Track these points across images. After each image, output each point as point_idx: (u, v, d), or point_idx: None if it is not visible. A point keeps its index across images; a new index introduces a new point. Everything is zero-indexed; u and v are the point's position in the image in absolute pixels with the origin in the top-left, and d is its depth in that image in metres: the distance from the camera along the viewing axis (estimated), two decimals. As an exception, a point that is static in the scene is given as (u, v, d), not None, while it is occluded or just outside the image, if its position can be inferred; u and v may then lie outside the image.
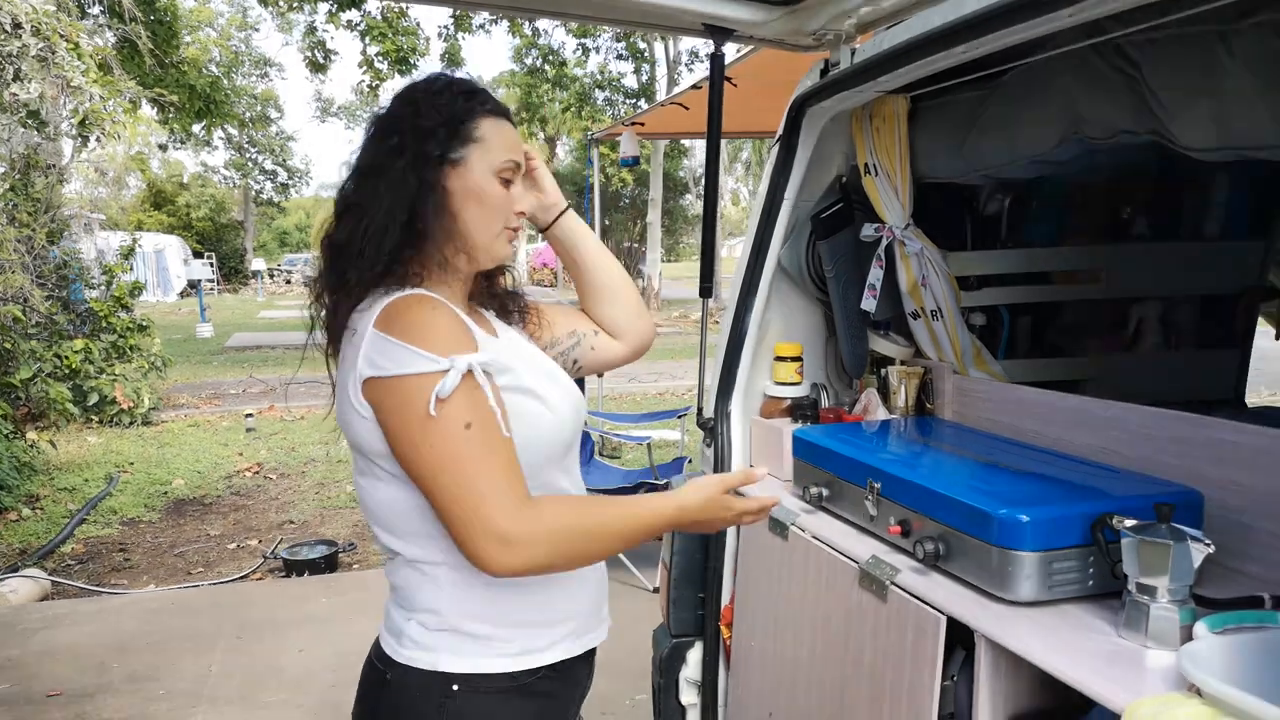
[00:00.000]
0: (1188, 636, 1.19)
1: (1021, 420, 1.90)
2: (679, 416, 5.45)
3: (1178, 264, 2.32)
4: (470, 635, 1.22)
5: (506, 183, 1.27)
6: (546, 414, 1.24)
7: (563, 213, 1.48)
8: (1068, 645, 1.23)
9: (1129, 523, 1.26)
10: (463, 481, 1.10)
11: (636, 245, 23.10)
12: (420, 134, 1.22)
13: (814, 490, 1.80)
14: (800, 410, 2.10)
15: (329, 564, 4.88)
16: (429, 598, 1.22)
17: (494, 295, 1.40)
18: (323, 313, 1.25)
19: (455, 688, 1.21)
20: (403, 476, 1.16)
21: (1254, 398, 3.17)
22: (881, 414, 2.08)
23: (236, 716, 3.30)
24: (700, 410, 2.25)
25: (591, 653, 1.36)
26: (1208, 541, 1.19)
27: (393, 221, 1.20)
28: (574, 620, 1.30)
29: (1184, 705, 1.02)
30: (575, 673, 1.34)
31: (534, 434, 1.21)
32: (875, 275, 2.05)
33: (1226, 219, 2.35)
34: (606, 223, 22.82)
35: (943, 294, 2.04)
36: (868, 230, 2.06)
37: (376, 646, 1.29)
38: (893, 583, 1.49)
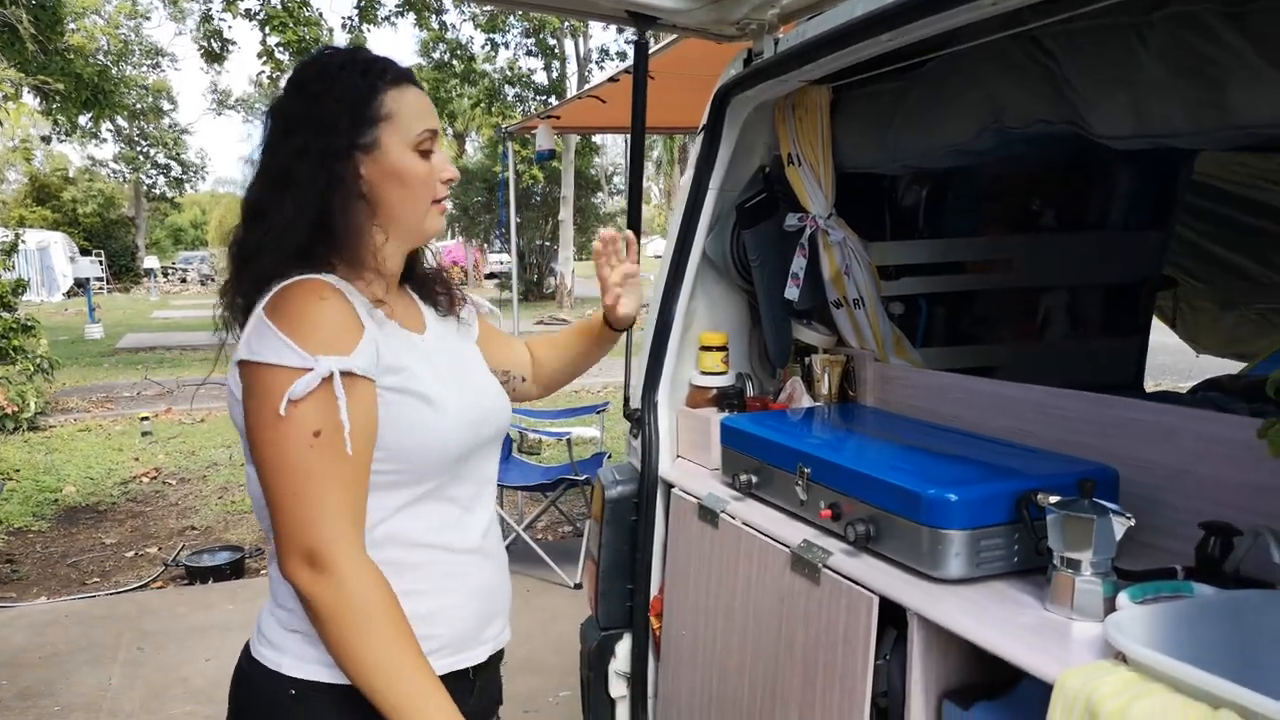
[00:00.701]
0: (1111, 608, 1.23)
1: (941, 405, 1.94)
2: (598, 412, 5.43)
3: (1083, 254, 2.41)
4: (317, 641, 1.11)
5: (426, 154, 1.21)
6: (436, 420, 1.17)
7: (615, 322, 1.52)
8: (997, 620, 1.25)
9: (1053, 499, 1.29)
10: (295, 491, 1.06)
11: (548, 244, 22.96)
12: (322, 128, 1.15)
13: (743, 478, 1.81)
14: (727, 399, 2.11)
15: (235, 570, 4.70)
16: (285, 594, 1.16)
17: (420, 278, 1.36)
18: (234, 316, 1.20)
19: (293, 692, 1.15)
20: None
21: (1147, 386, 3.32)
22: (806, 402, 2.10)
23: (139, 731, 3.14)
24: (627, 401, 2.24)
25: (469, 672, 1.26)
26: (1128, 515, 1.23)
27: (299, 222, 1.14)
28: (440, 640, 1.20)
29: (1112, 673, 1.05)
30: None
31: (418, 440, 1.16)
32: (799, 264, 2.07)
33: (1128, 211, 2.45)
34: (519, 220, 22.62)
35: (864, 283, 2.07)
36: (791, 220, 2.08)
37: (245, 648, 1.25)
38: (825, 565, 1.50)
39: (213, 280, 35.11)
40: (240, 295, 1.18)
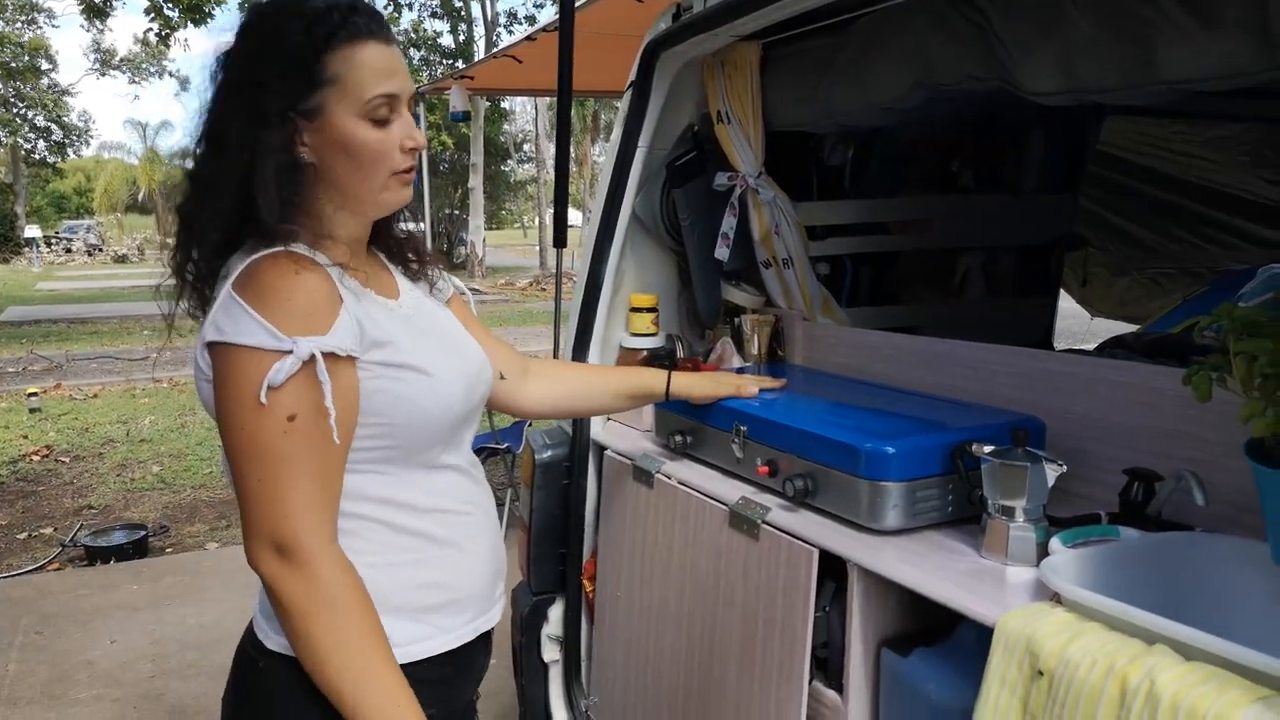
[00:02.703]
0: (1043, 553, 1.26)
1: (870, 363, 1.97)
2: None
3: (999, 216, 2.47)
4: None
5: (381, 122, 1.09)
6: (431, 389, 1.12)
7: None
8: (935, 567, 1.28)
9: (987, 449, 1.32)
10: (266, 478, 1.01)
11: (457, 212, 22.55)
12: (255, 89, 1.05)
13: (678, 438, 1.80)
14: (657, 360, 2.09)
15: (138, 549, 4.50)
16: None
17: (390, 242, 1.27)
18: (185, 286, 1.12)
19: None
20: None
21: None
22: (736, 362, 2.10)
23: (43, 717, 2.99)
24: (555, 364, 2.20)
25: (488, 635, 1.27)
26: (1060, 463, 1.27)
27: (229, 197, 1.06)
28: (467, 603, 1.20)
29: (1051, 614, 1.08)
30: (471, 657, 1.24)
31: (416, 412, 1.11)
32: (729, 224, 2.06)
33: (1041, 175, 2.52)
34: (426, 188, 22.13)
35: (793, 243, 2.08)
36: (721, 179, 2.06)
37: (249, 632, 1.17)
38: (764, 521, 1.51)
39: (100, 250, 33.41)
40: (191, 265, 1.10)
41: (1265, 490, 1.10)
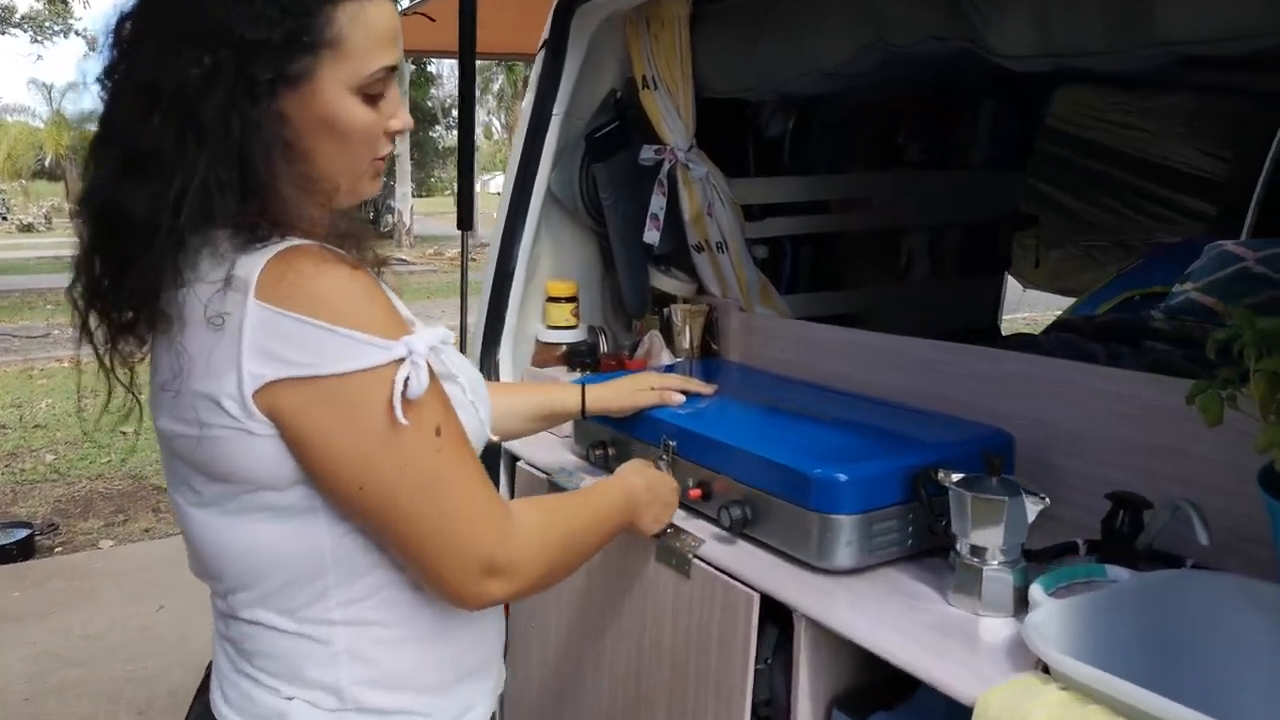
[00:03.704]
0: (1020, 599, 1.08)
1: (814, 359, 1.77)
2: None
3: (948, 192, 2.29)
4: (378, 712, 0.93)
5: (374, 98, 0.89)
6: (468, 404, 0.96)
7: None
8: (896, 619, 1.09)
9: (956, 477, 1.13)
10: (444, 505, 0.86)
11: (384, 179, 21.90)
12: (247, 49, 0.81)
13: (598, 451, 1.58)
14: (578, 357, 1.87)
15: (23, 550, 4.13)
16: (321, 671, 0.91)
17: (343, 236, 1.03)
18: (110, 300, 0.86)
19: None
20: (311, 509, 0.87)
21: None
22: (666, 358, 1.89)
23: (-108, 756, 2.68)
24: (463, 360, 1.96)
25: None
26: (1042, 495, 1.08)
27: (218, 186, 0.81)
28: (491, 665, 1.05)
29: (1041, 692, 0.90)
30: None
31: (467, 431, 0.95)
32: (657, 203, 1.83)
33: (991, 149, 2.35)
34: (350, 154, 21.37)
35: (728, 224, 1.86)
36: (647, 153, 1.83)
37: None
38: (695, 555, 1.30)
39: (4, 219, 31.72)
40: (112, 277, 0.85)
41: (1287, 533, 0.92)
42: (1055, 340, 2.55)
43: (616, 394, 1.48)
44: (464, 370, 0.98)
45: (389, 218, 21.40)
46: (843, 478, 1.17)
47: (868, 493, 1.18)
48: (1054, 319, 4.60)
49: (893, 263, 2.34)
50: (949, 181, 2.30)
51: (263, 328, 0.80)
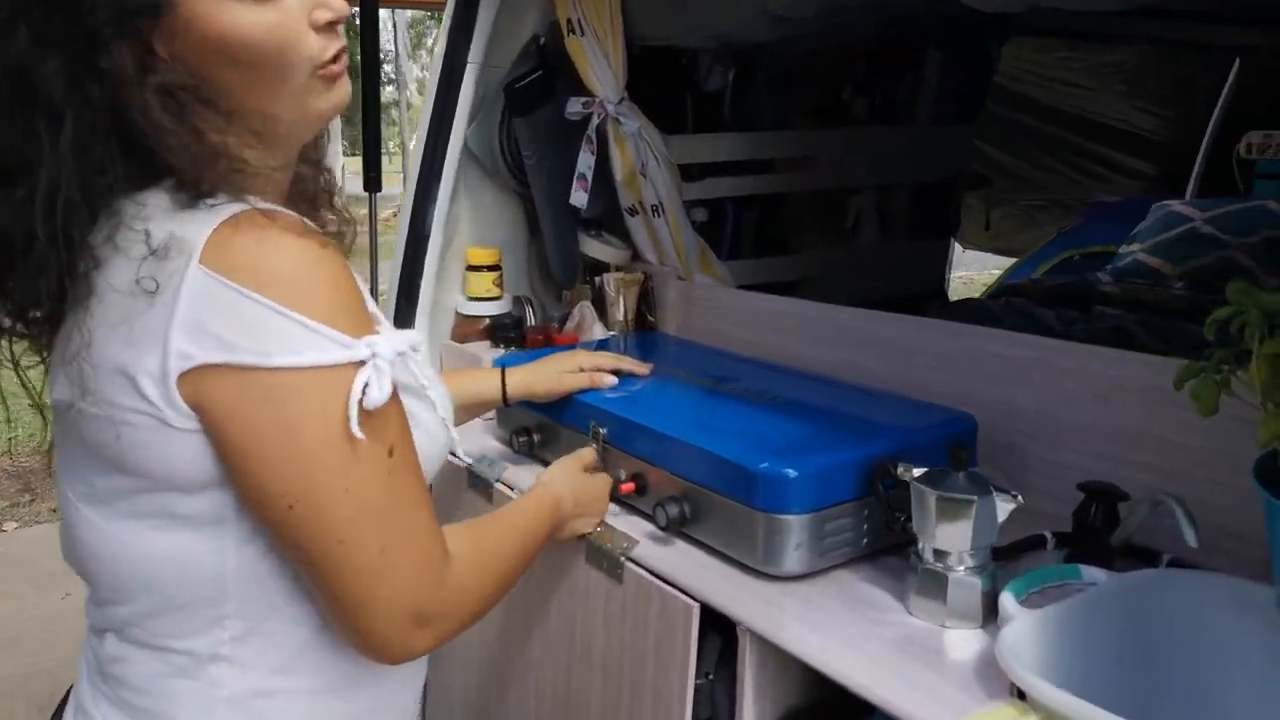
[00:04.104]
0: (990, 606, 0.97)
1: (759, 332, 1.63)
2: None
3: (897, 150, 2.17)
4: None
5: None
6: (430, 413, 0.83)
7: None
8: (852, 633, 0.96)
9: (917, 472, 1.00)
10: (385, 539, 0.72)
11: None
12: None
13: (523, 438, 1.43)
14: (502, 331, 1.71)
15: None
16: (198, 710, 0.77)
17: (305, 196, 0.87)
18: None
19: None
20: (218, 520, 0.73)
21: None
22: (599, 331, 1.74)
23: None
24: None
25: None
26: (1014, 493, 0.96)
27: (98, 165, 0.68)
28: (408, 710, 0.93)
29: (1022, 728, 0.78)
30: None
31: (424, 451, 0.81)
32: (585, 162, 1.67)
33: (942, 102, 2.22)
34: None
35: (664, 185, 1.71)
36: (574, 105, 1.67)
37: None
38: (628, 558, 1.16)
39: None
40: (29, 289, 0.71)
41: (1287, 535, 0.82)
42: (1003, 305, 2.46)
43: (540, 377, 1.33)
44: (434, 383, 0.84)
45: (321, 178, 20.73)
46: (791, 473, 1.04)
47: (819, 489, 1.05)
48: (993, 280, 4.56)
49: (839, 225, 2.21)
50: (897, 138, 2.18)
51: (203, 298, 0.66)
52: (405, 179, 1.73)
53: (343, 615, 0.74)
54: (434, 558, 0.77)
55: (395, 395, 0.72)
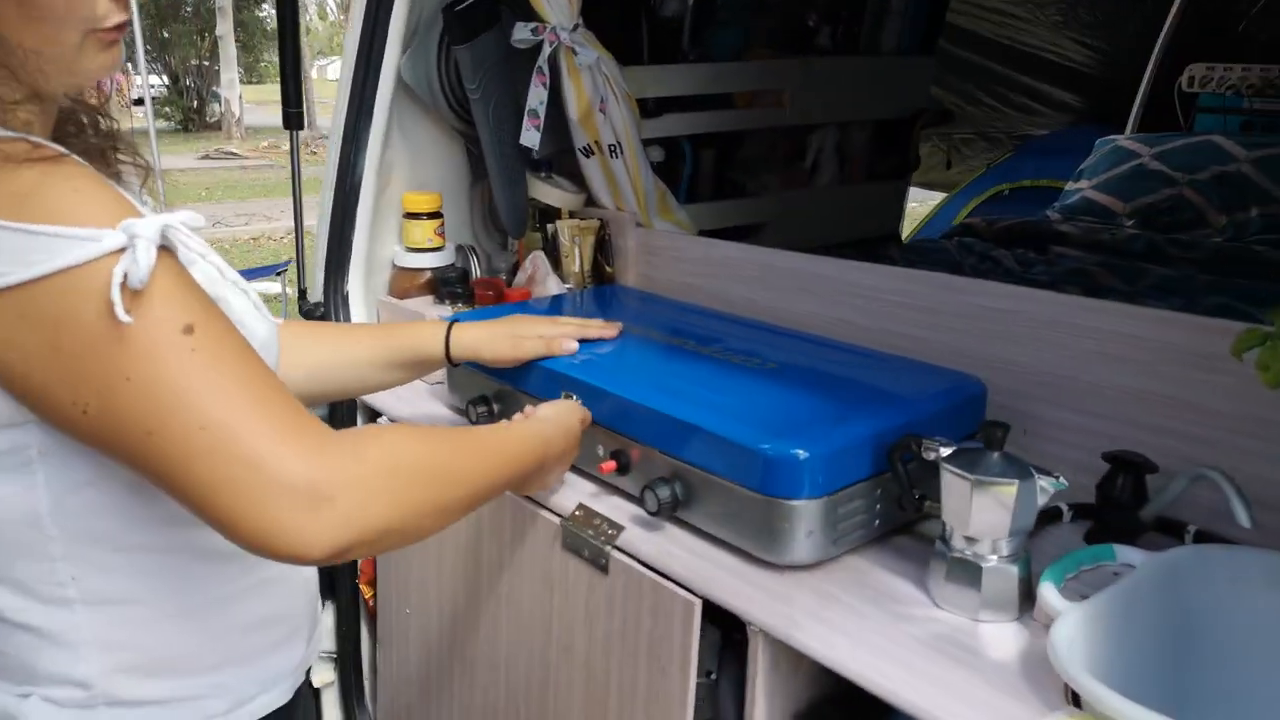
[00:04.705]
0: (1025, 594, 0.89)
1: (726, 284, 1.51)
2: (278, 274, 4.58)
3: (860, 82, 2.04)
4: (139, 703, 0.78)
5: None
6: (254, 308, 0.81)
7: None
8: (881, 634, 0.87)
9: (945, 450, 0.90)
10: (206, 416, 0.65)
11: (206, 64, 19.91)
12: None
13: (480, 407, 1.29)
14: (447, 285, 1.55)
15: None
16: (59, 660, 0.75)
17: (89, 142, 0.81)
18: None
19: None
20: (23, 463, 0.70)
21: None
22: (553, 284, 1.59)
23: None
24: (304, 292, 1.61)
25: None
26: (1057, 475, 0.87)
27: None
28: (299, 632, 0.89)
29: (1094, 748, 0.70)
30: (306, 697, 0.94)
31: (255, 342, 0.77)
32: (537, 97, 1.50)
33: (903, 30, 2.10)
34: (166, 35, 19.33)
35: (623, 122, 1.55)
36: (522, 32, 1.49)
37: None
38: (614, 547, 1.05)
39: None
40: None
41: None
42: (957, 245, 2.40)
43: (491, 339, 1.17)
44: (239, 305, 0.79)
45: (215, 107, 19.60)
46: (803, 454, 0.93)
47: (832, 471, 0.94)
48: (925, 214, 4.51)
49: (798, 166, 2.08)
50: (859, 70, 2.05)
51: None
52: (282, 105, 1.53)
53: (205, 514, 0.66)
54: (292, 425, 0.67)
55: (182, 273, 0.68)
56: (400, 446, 0.75)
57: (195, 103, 20.20)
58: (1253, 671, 0.89)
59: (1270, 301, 1.90)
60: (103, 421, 0.65)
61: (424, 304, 1.58)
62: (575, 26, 1.47)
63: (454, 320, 1.20)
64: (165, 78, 19.86)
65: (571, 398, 1.14)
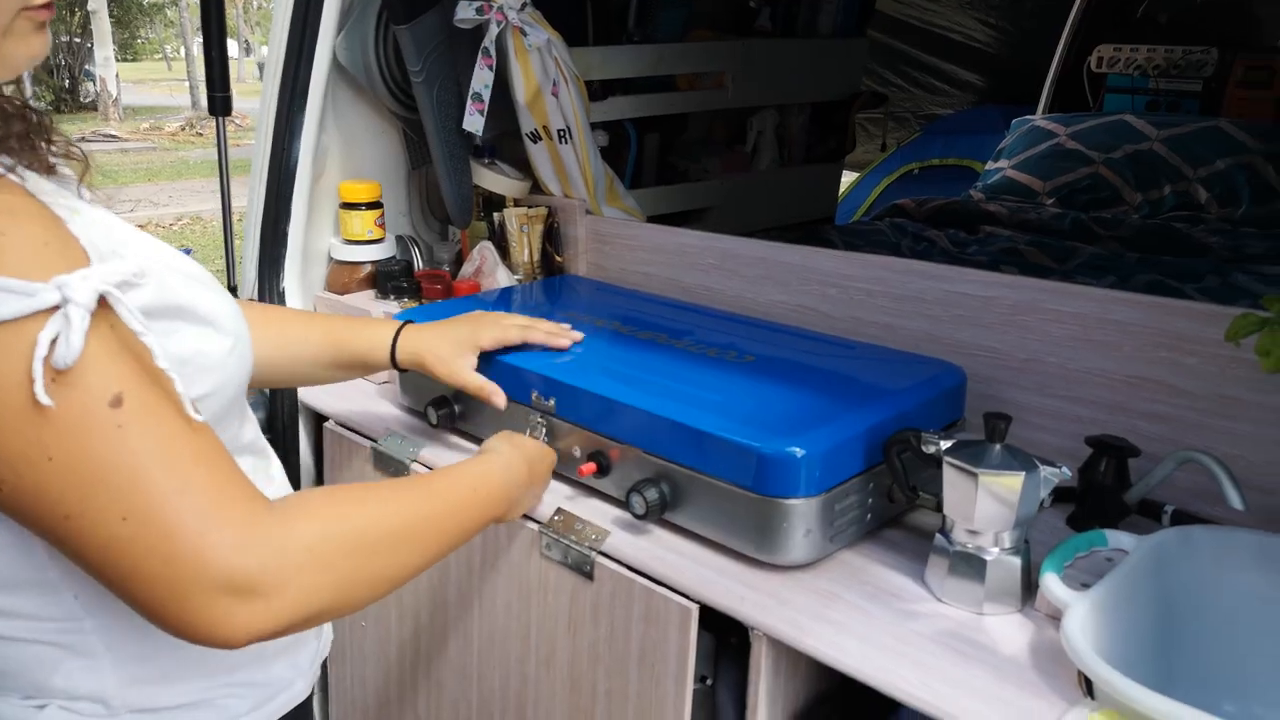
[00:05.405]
0: (1026, 585, 0.89)
1: (685, 274, 1.48)
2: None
3: (799, 64, 2.03)
4: (160, 709, 0.74)
5: None
6: (218, 338, 0.73)
7: None
8: (886, 631, 0.86)
9: (945, 443, 0.89)
10: (127, 504, 0.60)
11: (78, 40, 18.76)
12: None
13: (441, 409, 1.22)
14: (391, 280, 1.47)
15: None
16: (74, 675, 0.71)
17: (21, 140, 0.71)
18: None
19: None
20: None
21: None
22: (503, 276, 1.53)
23: None
24: (234, 290, 1.50)
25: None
26: (1061, 465, 0.86)
27: None
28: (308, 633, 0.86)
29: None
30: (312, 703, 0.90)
31: (217, 376, 0.73)
32: (482, 80, 1.43)
33: (838, 15, 2.09)
34: (31, 9, 18.06)
35: (572, 106, 1.50)
36: (465, 11, 1.41)
37: None
38: (599, 553, 1.01)
39: None
40: None
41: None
42: (889, 226, 2.42)
43: (435, 352, 1.09)
44: (209, 303, 0.73)
45: (89, 86, 18.49)
46: (800, 452, 0.90)
47: (829, 467, 0.93)
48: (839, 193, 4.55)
49: (739, 149, 2.06)
50: (798, 51, 2.03)
51: None
52: (207, 89, 1.43)
53: (122, 596, 0.62)
54: (221, 509, 0.62)
55: (119, 333, 0.62)
56: (335, 521, 0.69)
57: (67, 81, 19.02)
58: (1238, 647, 0.91)
59: (1196, 277, 1.97)
60: (17, 499, 0.60)
61: (366, 299, 1.50)
62: (523, 5, 1.41)
63: (405, 320, 1.13)
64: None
65: (544, 404, 1.09)
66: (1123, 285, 1.86)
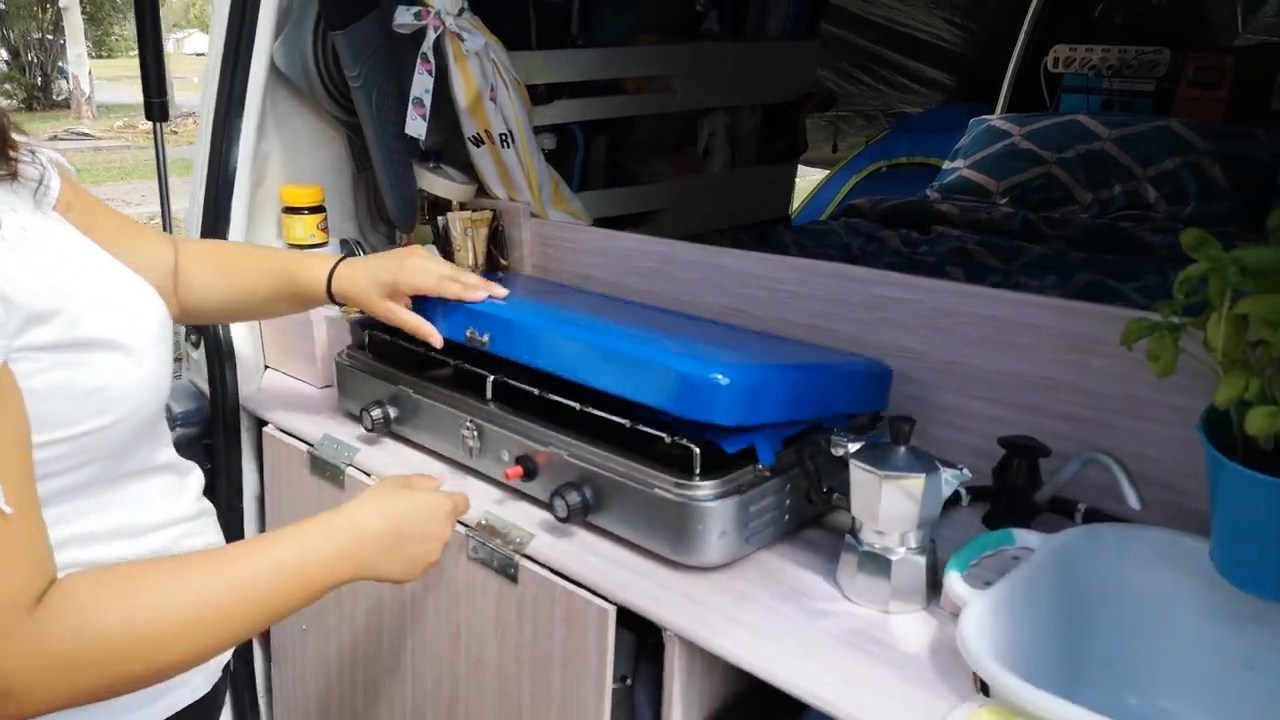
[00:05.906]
0: (932, 583, 0.91)
1: (626, 277, 1.49)
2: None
3: (748, 66, 2.05)
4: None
5: None
6: (133, 369, 0.74)
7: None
8: (795, 632, 0.88)
9: (853, 446, 0.91)
10: None
11: (50, 37, 18.56)
12: None
13: (376, 411, 1.23)
14: (332, 285, 1.47)
15: None
16: None
17: None
18: None
19: None
20: None
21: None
22: (446, 279, 1.53)
23: None
24: (175, 294, 1.50)
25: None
26: (962, 467, 0.89)
27: None
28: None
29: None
30: (214, 700, 0.90)
31: (119, 408, 0.73)
32: (422, 85, 1.44)
33: (789, 17, 2.11)
34: (3, 6, 17.90)
35: (514, 111, 1.51)
36: (403, 16, 1.42)
37: None
38: (523, 556, 1.02)
39: None
40: None
41: (1236, 497, 0.78)
42: (844, 226, 2.44)
43: (368, 289, 1.12)
44: (128, 330, 0.74)
45: (63, 83, 18.30)
46: (723, 379, 0.91)
47: (752, 404, 0.94)
48: (807, 189, 4.58)
49: (690, 151, 2.08)
50: (747, 54, 2.05)
51: None
52: (143, 95, 1.44)
53: None
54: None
55: None
56: (96, 625, 0.65)
57: (39, 79, 18.81)
58: (1142, 640, 0.93)
59: (1136, 276, 2.00)
60: None
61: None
62: (460, 10, 1.41)
63: (343, 256, 1.16)
64: (4, 52, 18.43)
65: (479, 339, 1.09)
66: (1064, 284, 1.89)
